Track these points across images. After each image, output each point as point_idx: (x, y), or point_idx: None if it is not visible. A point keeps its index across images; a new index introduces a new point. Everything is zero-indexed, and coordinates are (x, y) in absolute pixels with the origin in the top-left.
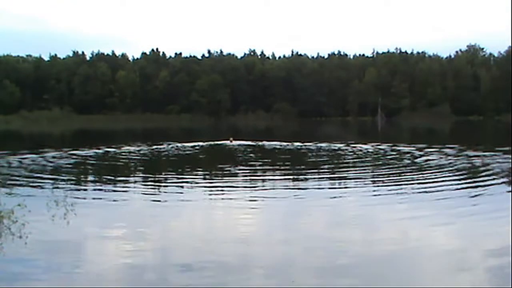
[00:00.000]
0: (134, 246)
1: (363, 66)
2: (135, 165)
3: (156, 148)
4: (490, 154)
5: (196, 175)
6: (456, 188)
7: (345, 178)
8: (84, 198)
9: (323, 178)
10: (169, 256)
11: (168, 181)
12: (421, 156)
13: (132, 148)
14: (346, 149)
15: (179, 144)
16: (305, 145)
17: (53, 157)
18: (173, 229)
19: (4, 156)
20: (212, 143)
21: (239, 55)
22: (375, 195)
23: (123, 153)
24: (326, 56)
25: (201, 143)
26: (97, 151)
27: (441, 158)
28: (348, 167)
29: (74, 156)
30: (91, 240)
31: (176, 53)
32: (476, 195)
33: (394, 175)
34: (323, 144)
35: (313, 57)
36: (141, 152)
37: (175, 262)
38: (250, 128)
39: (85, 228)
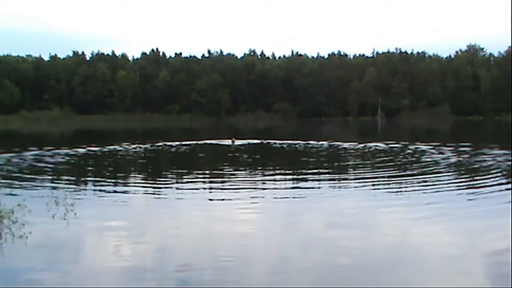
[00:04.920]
0: (134, 246)
1: (363, 66)
2: (134, 164)
3: (156, 147)
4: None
5: (196, 175)
6: (457, 188)
7: (345, 178)
8: (84, 198)
9: (325, 178)
10: (168, 256)
11: (168, 181)
12: (424, 155)
13: (130, 148)
14: (355, 148)
15: (186, 144)
16: (320, 144)
17: (36, 155)
18: (172, 229)
19: None
20: (212, 142)
21: (239, 55)
22: (375, 195)
23: (120, 153)
24: (326, 56)
25: (200, 142)
26: (93, 149)
27: (442, 156)
28: (348, 167)
29: (63, 155)
30: (91, 240)
31: (176, 53)
32: (476, 195)
33: (396, 175)
34: (337, 143)
35: (313, 57)
36: (139, 151)
37: (174, 262)
38: (251, 128)
39: (84, 228)
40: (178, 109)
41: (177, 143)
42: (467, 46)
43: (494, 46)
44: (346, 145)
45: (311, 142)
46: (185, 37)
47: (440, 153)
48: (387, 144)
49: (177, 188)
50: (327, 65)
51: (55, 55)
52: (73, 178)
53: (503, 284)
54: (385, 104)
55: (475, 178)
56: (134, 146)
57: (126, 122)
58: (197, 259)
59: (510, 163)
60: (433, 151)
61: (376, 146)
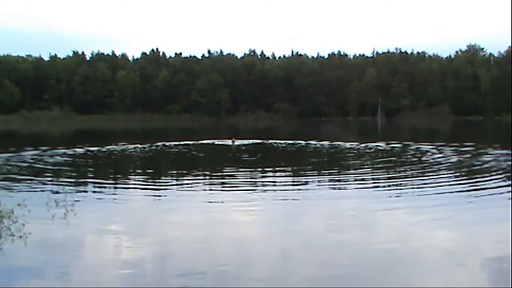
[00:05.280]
0: (133, 247)
1: (363, 66)
2: (133, 164)
3: (155, 148)
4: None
5: (196, 175)
6: (458, 189)
7: (346, 179)
8: (83, 198)
9: (326, 178)
10: (168, 257)
11: (168, 181)
12: (425, 155)
13: (130, 148)
14: (356, 148)
15: (186, 144)
16: (320, 144)
17: (36, 155)
18: (172, 230)
19: None
20: (212, 142)
21: (239, 55)
22: (376, 196)
23: (120, 153)
24: (326, 56)
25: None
26: (93, 149)
27: (444, 156)
28: (349, 167)
29: (63, 155)
30: (91, 241)
31: (176, 53)
32: (477, 196)
33: (397, 175)
34: (338, 143)
35: (313, 57)
36: (139, 151)
37: (174, 263)
38: (251, 128)
39: (84, 228)
40: (178, 109)
41: (177, 143)
42: (467, 46)
43: (494, 46)
44: (347, 145)
45: (312, 142)
46: (185, 37)
47: (441, 153)
48: (388, 144)
49: (177, 190)
50: (327, 65)
51: (55, 55)
52: (73, 178)
53: (503, 284)
54: (385, 104)
55: (477, 179)
56: (133, 146)
57: (126, 122)
58: (197, 261)
59: (510, 163)
60: (434, 151)
61: (377, 146)
